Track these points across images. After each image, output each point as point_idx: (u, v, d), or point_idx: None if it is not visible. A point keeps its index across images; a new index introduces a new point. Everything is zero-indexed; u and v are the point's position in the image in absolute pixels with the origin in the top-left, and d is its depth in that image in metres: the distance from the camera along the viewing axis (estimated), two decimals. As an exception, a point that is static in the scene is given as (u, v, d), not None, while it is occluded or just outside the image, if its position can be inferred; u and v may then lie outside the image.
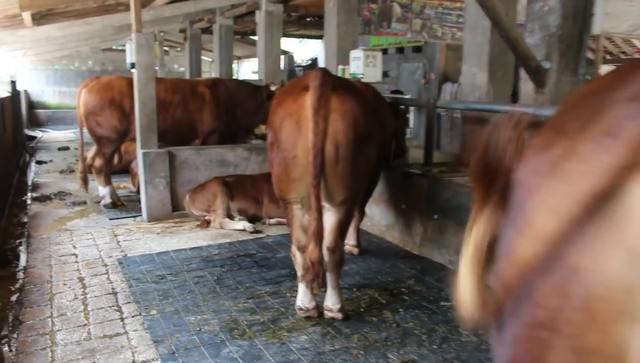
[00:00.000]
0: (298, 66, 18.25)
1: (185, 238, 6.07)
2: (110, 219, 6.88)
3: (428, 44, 14.28)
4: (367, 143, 3.73)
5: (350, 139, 3.57)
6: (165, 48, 21.40)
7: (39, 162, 11.66)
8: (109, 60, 22.57)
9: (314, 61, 18.85)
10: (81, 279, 4.84)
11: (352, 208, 3.98)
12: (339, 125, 3.54)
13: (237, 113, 7.82)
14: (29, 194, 8.36)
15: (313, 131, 3.44)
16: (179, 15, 11.66)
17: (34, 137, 16.54)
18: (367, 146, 3.74)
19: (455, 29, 10.24)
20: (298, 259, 3.89)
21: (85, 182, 7.42)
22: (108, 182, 7.42)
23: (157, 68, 22.01)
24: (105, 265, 5.21)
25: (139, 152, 6.68)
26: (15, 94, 13.49)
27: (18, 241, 6.28)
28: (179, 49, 23.28)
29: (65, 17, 9.98)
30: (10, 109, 11.18)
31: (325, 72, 3.62)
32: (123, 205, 7.51)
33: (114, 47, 22.64)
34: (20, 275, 5.08)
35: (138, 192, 8.00)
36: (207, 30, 15.98)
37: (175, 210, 6.87)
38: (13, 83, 13.93)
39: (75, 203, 7.65)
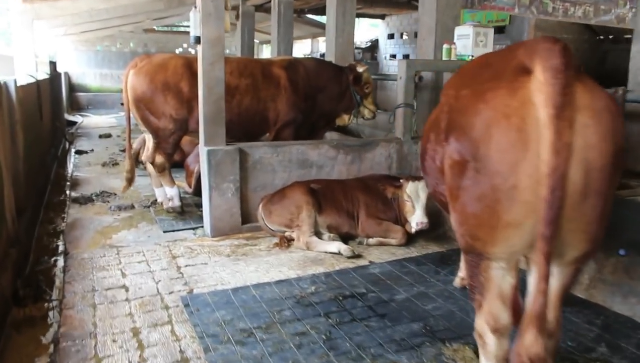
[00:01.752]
0: (357, 48, 16.69)
1: (265, 265, 4.66)
2: (165, 232, 5.53)
3: (513, 24, 12.54)
4: (620, 162, 2.19)
5: (607, 158, 2.05)
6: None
7: (78, 152, 10.47)
8: (152, 42, 21.39)
9: (374, 43, 17.23)
10: (136, 332, 3.48)
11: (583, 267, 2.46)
12: (592, 136, 2.02)
13: (318, 100, 6.35)
14: (67, 193, 7.10)
15: (553, 146, 1.94)
16: (236, -13, 10.21)
17: (74, 123, 15.48)
18: (619, 167, 2.21)
19: (569, 3, 8.53)
20: (490, 347, 2.38)
21: (130, 182, 6.08)
22: (173, 181, 6.08)
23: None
24: (167, 307, 3.84)
25: (203, 150, 5.28)
26: (55, 75, 12.33)
27: (54, 259, 4.97)
28: (224, 30, 21.89)
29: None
30: (49, 92, 9.98)
31: (564, 46, 2.07)
32: (183, 212, 6.16)
33: (157, 28, 21.49)
34: (55, 317, 3.74)
35: (195, 193, 6.66)
36: (260, 8, 14.55)
37: (245, 222, 5.47)
38: (53, 64, 12.78)
39: (120, 208, 6.34)
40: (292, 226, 5.10)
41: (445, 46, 6.33)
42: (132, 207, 6.44)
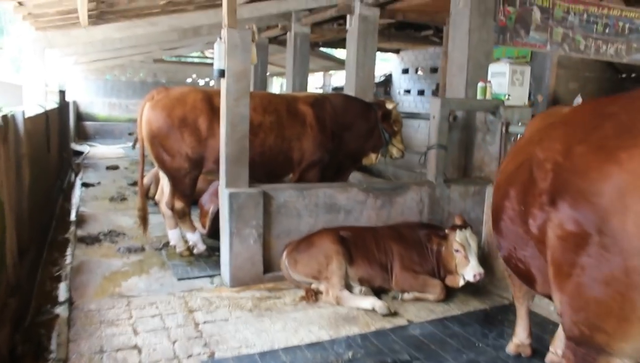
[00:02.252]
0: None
1: (292, 322, 4.19)
2: (179, 279, 5.07)
3: (535, 60, 12.25)
4: None
5: None
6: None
7: (85, 185, 10.07)
8: (161, 72, 21.24)
9: (388, 78, 17.00)
10: (151, 409, 2.99)
11: None
12: None
13: (345, 138, 5.96)
14: (73, 230, 6.67)
15: None
16: (252, 18, 9.98)
17: (80, 152, 15.15)
18: None
19: (601, 41, 8.23)
20: None
21: (145, 221, 5.66)
22: (194, 226, 5.68)
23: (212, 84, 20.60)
24: (185, 377, 3.36)
25: (224, 193, 4.87)
26: (63, 105, 12.04)
27: (57, 309, 4.51)
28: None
29: (126, 17, 8.39)
30: (58, 122, 9.65)
31: None
32: (192, 255, 5.72)
33: (165, 58, 21.38)
34: (57, 387, 3.27)
35: (210, 235, 6.22)
36: (274, 40, 14.36)
37: (267, 271, 5.02)
38: (62, 93, 12.50)
39: (130, 250, 5.89)
40: (320, 278, 4.64)
41: (480, 84, 5.98)
42: (143, 249, 6.00)
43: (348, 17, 9.07)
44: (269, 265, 5.02)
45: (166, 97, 5.37)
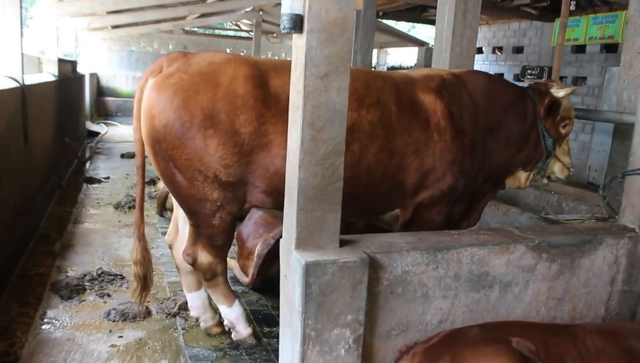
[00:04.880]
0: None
1: None
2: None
3: None
4: None
5: None
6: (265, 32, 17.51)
7: (89, 181, 7.88)
8: (192, 44, 18.95)
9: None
10: None
11: None
12: None
13: (488, 146, 3.52)
14: (44, 273, 4.45)
15: None
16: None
17: (96, 133, 13.04)
18: None
19: None
20: None
21: (144, 285, 3.30)
22: (233, 295, 3.35)
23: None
24: None
25: (293, 259, 2.50)
26: (71, 78, 9.83)
27: None
28: (274, 35, 19.41)
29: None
30: (56, 100, 7.42)
31: None
32: (225, 333, 3.42)
33: (198, 30, 19.14)
34: None
35: (254, 286, 3.96)
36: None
37: (365, 399, 2.67)
38: (71, 63, 10.31)
39: (126, 317, 3.65)
40: None
41: None
42: (147, 313, 3.73)
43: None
44: (369, 391, 2.68)
45: (183, 71, 2.99)
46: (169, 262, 4.57)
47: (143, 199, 3.25)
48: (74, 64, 10.66)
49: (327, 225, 2.53)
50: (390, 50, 17.59)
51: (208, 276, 3.20)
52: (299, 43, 2.39)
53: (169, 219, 6.02)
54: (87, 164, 9.30)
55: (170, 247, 3.51)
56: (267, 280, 4.19)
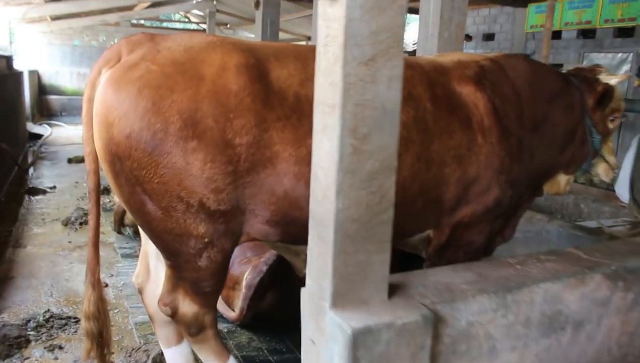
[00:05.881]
0: (405, 53, 13.30)
1: None
2: None
3: (647, 24, 9.21)
4: None
5: None
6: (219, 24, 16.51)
7: (31, 192, 6.88)
8: (141, 37, 17.76)
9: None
10: None
11: None
12: None
13: (532, 145, 2.86)
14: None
15: None
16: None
17: (39, 136, 11.87)
18: None
19: None
20: None
21: (102, 345, 2.47)
22: (226, 353, 2.55)
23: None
24: None
25: (329, 324, 1.76)
26: (7, 75, 8.71)
27: None
28: (228, 25, 18.45)
29: None
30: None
31: None
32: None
33: (145, 23, 18.01)
34: None
35: (242, 323, 3.21)
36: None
37: None
38: (7, 59, 9.17)
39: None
40: None
41: None
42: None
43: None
44: None
45: (151, 59, 2.18)
46: (133, 294, 3.77)
47: (98, 234, 2.43)
48: (9, 59, 9.51)
49: (373, 270, 1.81)
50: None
51: (193, 330, 2.43)
52: (332, 14, 1.64)
53: (130, 237, 5.18)
54: (29, 172, 8.25)
55: (140, 292, 2.70)
56: (258, 315, 3.45)
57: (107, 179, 2.31)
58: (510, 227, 3.14)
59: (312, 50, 2.47)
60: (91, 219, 2.40)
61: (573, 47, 9.99)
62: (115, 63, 2.24)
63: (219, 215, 2.18)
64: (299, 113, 2.22)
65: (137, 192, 2.18)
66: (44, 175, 8.04)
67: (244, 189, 2.19)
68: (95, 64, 2.31)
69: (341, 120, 1.63)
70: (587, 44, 9.72)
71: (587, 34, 9.78)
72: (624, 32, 9.15)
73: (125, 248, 4.89)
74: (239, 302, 3.40)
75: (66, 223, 5.61)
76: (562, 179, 3.22)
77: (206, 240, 2.22)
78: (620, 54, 9.21)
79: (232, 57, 2.21)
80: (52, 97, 16.45)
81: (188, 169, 2.10)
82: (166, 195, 2.14)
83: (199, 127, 2.10)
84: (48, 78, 16.63)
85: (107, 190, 6.50)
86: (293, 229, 2.29)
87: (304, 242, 2.42)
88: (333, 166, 1.67)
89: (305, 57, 2.35)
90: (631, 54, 9.00)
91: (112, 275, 4.28)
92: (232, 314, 3.47)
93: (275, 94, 2.21)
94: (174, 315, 2.40)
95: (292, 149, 2.17)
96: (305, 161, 2.19)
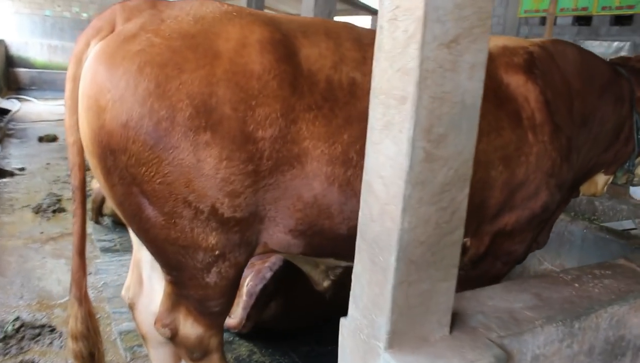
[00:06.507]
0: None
1: None
2: None
3: (646, 13, 9.00)
4: None
5: None
6: None
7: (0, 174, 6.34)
8: (117, 9, 16.93)
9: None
10: None
11: None
12: None
13: (580, 143, 2.54)
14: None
15: None
16: None
17: (6, 111, 11.15)
18: None
19: None
20: None
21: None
22: None
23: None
24: None
25: None
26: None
27: None
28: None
29: None
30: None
31: None
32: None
33: (124, -7, 17.13)
34: None
35: (244, 332, 2.87)
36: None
37: None
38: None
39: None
40: None
41: None
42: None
43: None
44: None
45: (153, 30, 1.77)
46: (116, 296, 3.37)
47: (84, 240, 2.03)
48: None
49: (437, 301, 1.47)
50: (339, 19, 16.49)
51: (197, 355, 2.06)
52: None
53: (108, 227, 4.75)
54: (-4, 151, 7.66)
55: (131, 307, 2.31)
56: (260, 324, 3.09)
57: (94, 175, 1.91)
58: (546, 231, 2.83)
59: (344, 27, 2.09)
60: (75, 223, 2.00)
61: (568, 34, 9.74)
62: (108, 33, 1.82)
63: (233, 223, 1.81)
64: (331, 102, 1.85)
65: (133, 194, 1.78)
66: (11, 155, 7.46)
67: (265, 193, 1.81)
68: (82, 34, 1.89)
69: (414, 118, 1.27)
70: (582, 31, 9.48)
71: (582, 20, 9.54)
72: (621, 20, 8.93)
73: (105, 241, 4.46)
74: (239, 310, 3.03)
75: (37, 210, 5.13)
76: (601, 179, 2.92)
77: (217, 252, 1.84)
78: (616, 43, 8.99)
79: (253, 31, 1.81)
80: (21, 70, 15.58)
81: (199, 167, 1.72)
82: (170, 199, 1.75)
83: (214, 116, 1.71)
84: (16, 49, 15.75)
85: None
86: (320, 240, 1.93)
87: (330, 254, 2.07)
88: (399, 175, 1.31)
89: (337, 35, 1.97)
90: (628, 43, 8.79)
91: (90, 273, 3.85)
92: (232, 322, 3.10)
93: (305, 78, 1.83)
94: (173, 337, 2.02)
95: (324, 145, 1.80)
96: (339, 161, 1.82)
